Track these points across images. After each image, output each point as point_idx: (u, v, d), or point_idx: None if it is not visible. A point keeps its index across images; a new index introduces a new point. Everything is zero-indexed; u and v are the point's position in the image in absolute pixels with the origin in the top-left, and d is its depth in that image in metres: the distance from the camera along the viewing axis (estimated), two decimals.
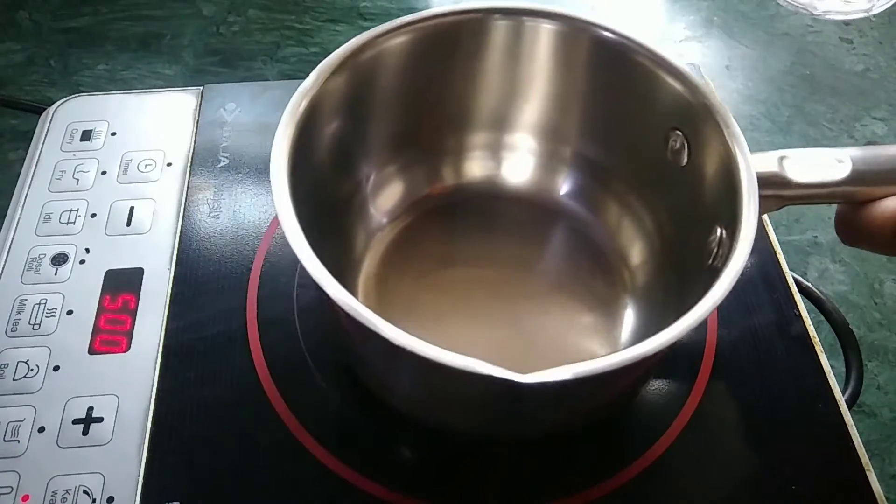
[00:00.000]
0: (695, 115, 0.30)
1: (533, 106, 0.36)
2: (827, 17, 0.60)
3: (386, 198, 0.37)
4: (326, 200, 0.32)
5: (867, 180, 0.28)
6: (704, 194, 0.30)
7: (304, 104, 0.28)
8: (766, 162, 0.29)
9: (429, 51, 0.33)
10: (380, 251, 0.36)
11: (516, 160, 0.38)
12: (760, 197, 0.27)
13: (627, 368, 0.23)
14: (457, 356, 0.22)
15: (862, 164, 0.28)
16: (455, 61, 0.34)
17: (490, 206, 0.38)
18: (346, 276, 0.23)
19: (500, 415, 0.29)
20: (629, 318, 0.35)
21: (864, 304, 0.48)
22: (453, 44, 0.34)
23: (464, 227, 0.38)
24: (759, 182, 0.27)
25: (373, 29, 0.31)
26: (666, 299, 0.32)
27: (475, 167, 0.38)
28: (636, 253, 0.36)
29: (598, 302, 0.35)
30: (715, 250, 0.28)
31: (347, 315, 0.23)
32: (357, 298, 0.24)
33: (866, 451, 0.32)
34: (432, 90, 0.35)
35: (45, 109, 0.43)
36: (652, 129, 0.33)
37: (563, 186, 0.38)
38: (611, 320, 0.35)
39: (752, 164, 0.27)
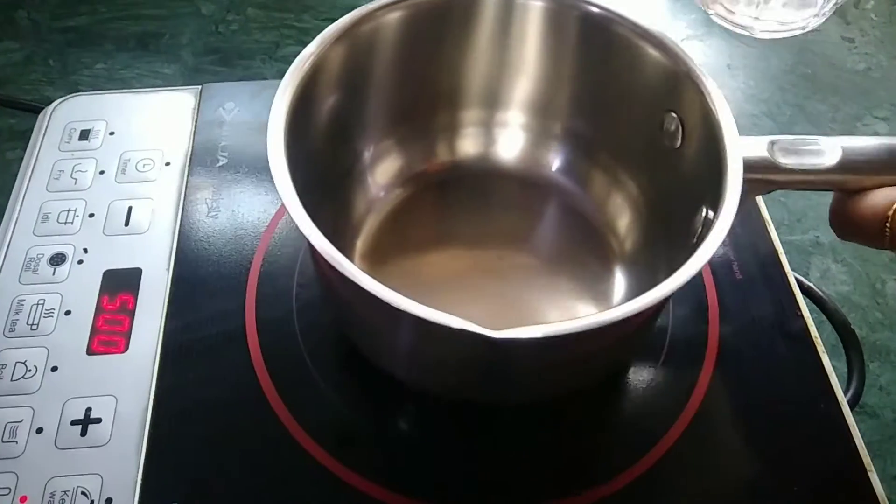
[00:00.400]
0: (681, 87, 0.30)
1: (524, 82, 0.37)
2: (764, 37, 0.61)
3: (383, 172, 0.38)
4: (325, 169, 0.32)
5: (856, 169, 0.29)
6: (693, 173, 0.30)
7: (306, 66, 0.29)
8: (757, 146, 0.29)
9: (423, 27, 0.33)
10: (376, 224, 0.37)
11: (508, 137, 0.39)
12: (750, 180, 0.27)
13: (594, 333, 0.23)
14: (433, 311, 0.22)
15: (851, 154, 0.29)
16: (447, 38, 0.35)
17: (484, 183, 0.39)
18: (341, 246, 0.24)
19: (478, 376, 0.29)
20: (619, 292, 0.35)
21: (866, 304, 0.48)
22: (446, 20, 0.34)
23: (458, 204, 0.39)
24: (748, 166, 0.27)
25: (371, 3, 0.32)
26: (655, 278, 0.32)
27: (469, 144, 0.39)
28: (624, 226, 0.36)
29: (589, 274, 0.36)
30: (699, 230, 0.28)
31: (331, 267, 0.23)
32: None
33: (868, 451, 0.31)
34: (427, 67, 0.35)
35: (43, 109, 0.43)
36: (643, 106, 0.33)
37: (555, 162, 0.38)
38: (601, 294, 0.35)
39: (735, 129, 0.28)
